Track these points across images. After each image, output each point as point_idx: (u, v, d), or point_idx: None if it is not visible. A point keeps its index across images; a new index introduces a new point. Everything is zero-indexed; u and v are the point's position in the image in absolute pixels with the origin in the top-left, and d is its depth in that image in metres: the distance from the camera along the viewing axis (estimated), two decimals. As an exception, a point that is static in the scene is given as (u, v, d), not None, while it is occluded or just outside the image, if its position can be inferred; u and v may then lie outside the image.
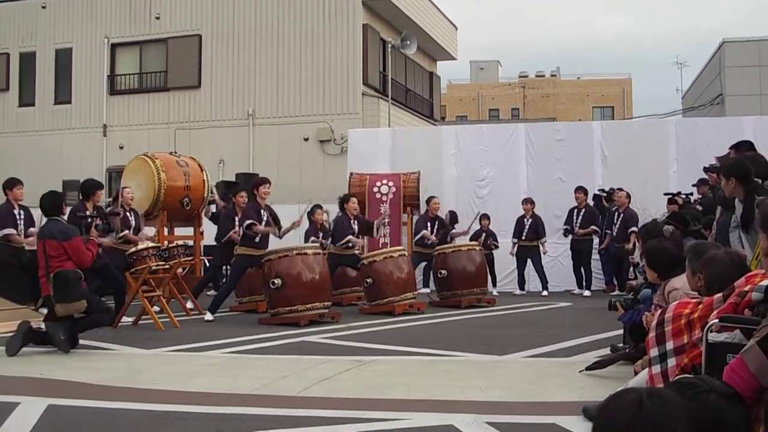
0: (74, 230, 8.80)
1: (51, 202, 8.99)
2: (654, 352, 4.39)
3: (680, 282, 5.92)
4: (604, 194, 15.49)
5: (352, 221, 13.01)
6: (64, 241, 8.57)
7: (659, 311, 4.67)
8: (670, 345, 4.32)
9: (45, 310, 10.71)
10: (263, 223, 11.42)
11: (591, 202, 15.81)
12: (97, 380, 6.90)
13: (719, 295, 4.22)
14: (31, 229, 11.89)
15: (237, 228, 12.53)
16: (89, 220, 9.19)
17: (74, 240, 8.63)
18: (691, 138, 16.45)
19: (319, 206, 14.27)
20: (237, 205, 13.16)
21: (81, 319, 8.70)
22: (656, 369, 4.37)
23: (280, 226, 11.78)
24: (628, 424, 2.08)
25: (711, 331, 4.02)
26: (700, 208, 12.35)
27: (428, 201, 15.05)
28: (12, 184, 11.87)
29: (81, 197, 11.11)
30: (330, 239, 13.34)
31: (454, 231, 15.00)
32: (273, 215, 11.63)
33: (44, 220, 11.94)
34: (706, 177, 13.46)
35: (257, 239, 11.47)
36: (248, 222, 11.36)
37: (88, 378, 6.99)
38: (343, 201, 13.18)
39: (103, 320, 8.66)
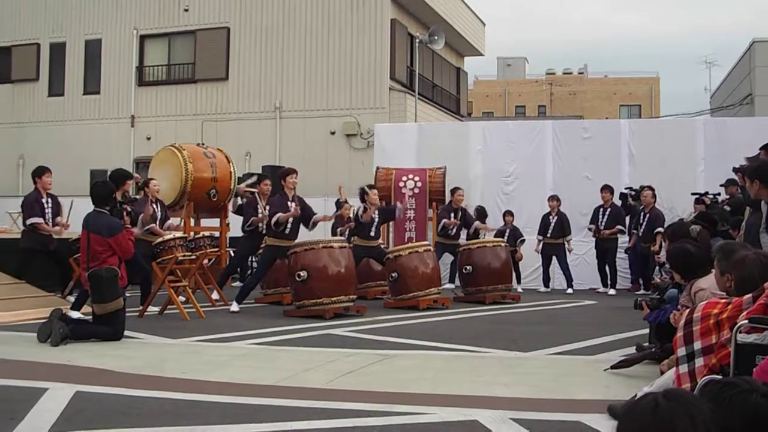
0: (120, 225, 8.82)
1: (100, 192, 8.98)
2: (681, 351, 4.38)
3: (707, 282, 5.89)
4: (633, 192, 15.31)
5: (372, 212, 12.96)
6: (110, 237, 8.62)
7: (687, 310, 4.65)
8: (698, 345, 4.30)
9: (72, 298, 10.86)
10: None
11: (619, 201, 15.67)
12: (124, 368, 6.97)
13: (749, 295, 4.21)
14: (58, 218, 11.97)
15: (260, 215, 12.57)
16: (120, 206, 9.21)
17: (120, 235, 8.69)
18: (719, 138, 16.30)
19: (345, 201, 14.33)
20: (261, 193, 13.19)
21: (88, 324, 8.77)
22: (683, 368, 4.36)
23: (312, 215, 11.78)
24: (646, 426, 2.08)
25: (740, 332, 4.01)
26: (728, 208, 12.27)
27: (453, 192, 15.00)
28: (41, 172, 11.94)
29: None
30: (350, 232, 13.37)
31: (478, 223, 14.94)
32: (303, 206, 11.65)
33: (71, 203, 12.11)
34: (734, 177, 13.38)
35: (286, 231, 11.50)
36: (274, 219, 11.38)
37: (114, 365, 7.06)
38: (364, 192, 13.13)
39: (107, 336, 8.57)
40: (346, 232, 13.77)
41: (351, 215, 13.84)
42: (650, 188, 14.89)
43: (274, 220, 11.42)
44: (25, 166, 26.06)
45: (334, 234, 14.62)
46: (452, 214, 14.69)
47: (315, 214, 11.93)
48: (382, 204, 13.88)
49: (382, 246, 13.29)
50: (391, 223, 15.71)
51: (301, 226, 11.85)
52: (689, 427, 2.04)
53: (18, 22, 28.04)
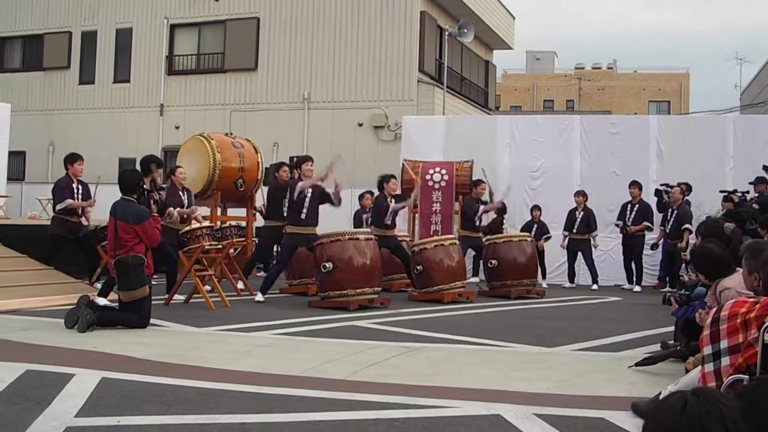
0: (146, 213, 8.87)
1: (128, 181, 9.05)
2: (708, 350, 4.35)
3: (733, 281, 5.84)
4: (670, 189, 15.08)
5: (389, 200, 12.98)
6: (137, 225, 8.68)
7: (714, 309, 4.62)
8: (724, 344, 4.27)
9: (99, 285, 10.95)
10: (307, 199, 11.47)
11: (654, 198, 15.51)
12: (149, 355, 7.02)
13: (778, 295, 4.17)
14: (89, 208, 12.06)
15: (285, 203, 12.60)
16: (147, 194, 9.26)
17: (147, 223, 8.74)
18: (749, 135, 16.16)
19: (369, 192, 14.35)
20: (279, 179, 13.26)
21: (115, 311, 8.84)
22: (709, 367, 4.33)
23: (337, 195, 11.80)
24: (674, 424, 2.07)
25: (768, 332, 3.98)
26: (756, 206, 12.18)
27: (476, 184, 14.97)
28: (73, 159, 12.03)
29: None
30: (370, 221, 13.44)
31: (482, 207, 14.87)
32: (321, 191, 11.66)
33: (98, 178, 12.24)
34: (763, 175, 13.26)
35: (303, 216, 11.51)
36: (298, 190, 11.44)
37: (140, 353, 7.11)
38: (383, 181, 13.13)
39: (133, 323, 8.65)
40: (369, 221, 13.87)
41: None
42: (686, 185, 14.79)
43: (298, 191, 11.45)
44: (55, 153, 26.29)
45: (357, 224, 14.69)
46: (475, 205, 14.68)
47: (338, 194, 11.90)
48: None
49: (408, 240, 13.29)
50: (416, 216, 15.72)
51: (320, 216, 11.85)
52: (719, 427, 2.03)
53: (50, 11, 28.26)
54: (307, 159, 11.92)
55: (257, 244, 14.04)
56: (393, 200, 13.03)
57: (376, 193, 13.62)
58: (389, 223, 12.93)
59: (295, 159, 13.61)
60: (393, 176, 13.55)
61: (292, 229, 11.67)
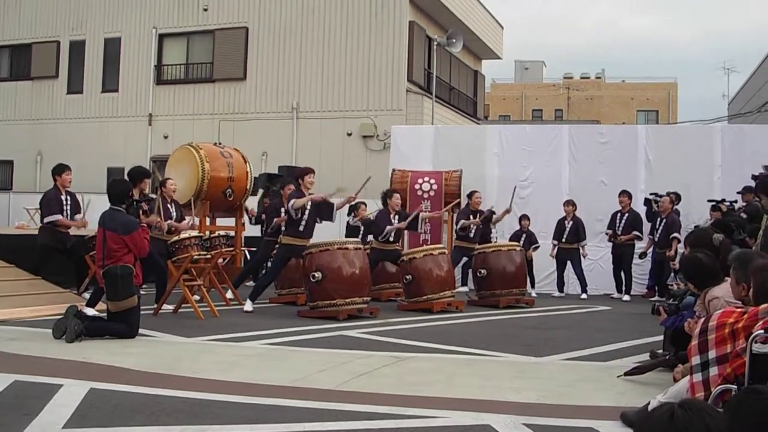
0: (135, 223, 8.86)
1: (117, 190, 9.03)
2: (696, 360, 4.36)
3: (721, 291, 5.86)
4: (659, 198, 15.10)
5: (392, 216, 12.99)
6: (126, 235, 8.66)
7: (703, 319, 4.63)
8: (712, 354, 4.29)
9: (87, 295, 10.91)
10: (307, 212, 11.45)
11: (644, 207, 15.56)
12: (138, 366, 7.00)
13: (765, 305, 4.18)
14: (77, 216, 12.01)
15: (283, 215, 12.54)
16: (136, 204, 9.23)
17: (136, 233, 8.72)
18: (737, 145, 16.22)
19: (363, 203, 14.37)
20: (284, 197, 13.21)
21: (103, 321, 8.82)
22: (698, 377, 4.34)
23: (331, 207, 11.78)
24: None
25: (756, 342, 4.00)
26: (744, 216, 12.21)
27: (470, 195, 15.07)
28: (61, 170, 11.99)
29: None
30: (371, 235, 13.41)
31: (497, 215, 15.06)
32: (318, 206, 11.64)
33: (88, 201, 12.20)
34: (751, 185, 13.30)
35: (301, 228, 11.50)
36: (291, 203, 11.38)
37: (128, 363, 7.09)
38: (387, 196, 13.17)
39: (121, 333, 8.63)
40: (359, 222, 13.91)
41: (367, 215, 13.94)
42: (675, 194, 14.83)
43: (291, 203, 11.39)
44: (43, 162, 26.23)
45: (348, 228, 14.72)
46: (471, 216, 14.75)
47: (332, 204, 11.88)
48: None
49: (398, 249, 13.32)
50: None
51: (317, 226, 11.86)
52: None
53: (38, 20, 28.23)
54: (309, 171, 11.90)
55: (250, 258, 14.03)
56: (396, 216, 13.04)
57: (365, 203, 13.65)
58: (390, 239, 12.95)
59: (289, 169, 13.59)
60: (396, 191, 13.60)
61: (288, 240, 11.64)
